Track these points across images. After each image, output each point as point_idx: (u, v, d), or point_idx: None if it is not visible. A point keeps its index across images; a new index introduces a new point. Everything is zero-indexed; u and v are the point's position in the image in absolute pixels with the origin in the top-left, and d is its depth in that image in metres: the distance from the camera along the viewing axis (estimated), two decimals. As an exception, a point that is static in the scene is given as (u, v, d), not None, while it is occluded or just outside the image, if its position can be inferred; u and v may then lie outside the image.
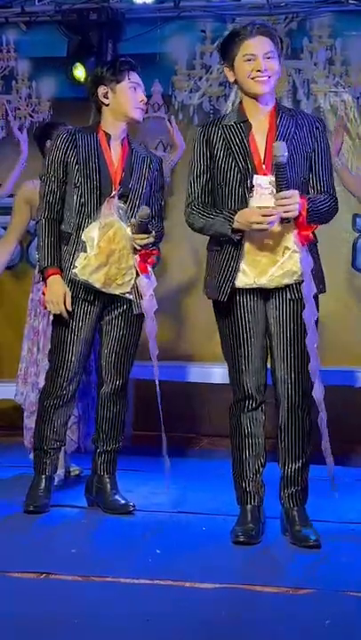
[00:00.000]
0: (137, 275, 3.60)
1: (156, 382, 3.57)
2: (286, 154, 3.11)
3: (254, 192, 3.19)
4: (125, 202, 3.58)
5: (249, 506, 3.31)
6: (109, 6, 5.71)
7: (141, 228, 3.51)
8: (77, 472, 4.31)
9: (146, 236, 3.52)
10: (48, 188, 3.61)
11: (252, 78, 3.23)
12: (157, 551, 3.10)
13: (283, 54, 3.39)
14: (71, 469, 4.32)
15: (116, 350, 3.67)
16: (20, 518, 3.52)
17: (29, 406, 4.30)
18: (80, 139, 3.60)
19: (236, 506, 3.36)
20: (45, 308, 3.65)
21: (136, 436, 5.17)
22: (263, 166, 3.22)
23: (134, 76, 3.62)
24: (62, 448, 3.82)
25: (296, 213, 3.13)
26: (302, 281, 3.19)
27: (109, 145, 3.63)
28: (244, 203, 3.21)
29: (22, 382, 4.32)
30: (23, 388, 4.32)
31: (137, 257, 3.57)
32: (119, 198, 3.58)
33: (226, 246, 3.27)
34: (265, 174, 3.19)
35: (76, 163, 3.56)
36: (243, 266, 3.23)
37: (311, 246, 3.26)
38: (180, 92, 5.84)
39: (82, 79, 5.70)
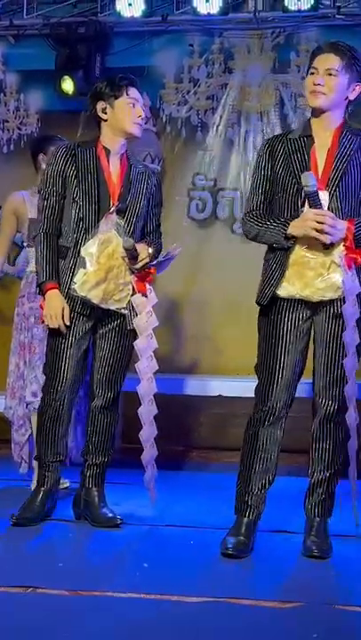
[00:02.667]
0: (133, 292, 3.61)
1: (147, 401, 3.56)
2: (314, 183, 3.13)
3: (307, 204, 3.21)
4: (123, 217, 3.59)
5: (246, 519, 3.30)
6: (98, 20, 5.74)
7: (130, 257, 3.54)
8: (65, 485, 4.29)
9: (140, 260, 3.54)
10: (47, 202, 3.61)
11: (310, 92, 3.26)
12: (145, 565, 3.09)
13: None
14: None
15: (110, 363, 3.67)
16: (6, 532, 3.50)
17: (17, 420, 4.29)
18: (79, 153, 3.60)
19: (225, 518, 3.36)
20: (43, 322, 3.65)
21: (124, 449, 5.16)
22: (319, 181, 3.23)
23: (133, 92, 3.62)
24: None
25: (329, 239, 3.14)
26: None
27: (108, 160, 3.63)
28: (297, 213, 3.23)
29: (10, 397, 4.32)
30: (11, 402, 4.31)
31: (134, 277, 3.59)
32: (117, 214, 3.58)
33: (276, 255, 3.29)
34: (320, 189, 3.20)
35: (75, 177, 3.57)
36: (288, 275, 3.25)
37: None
38: (169, 105, 5.87)
39: (70, 92, 5.72)
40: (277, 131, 5.67)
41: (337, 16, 5.55)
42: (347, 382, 3.23)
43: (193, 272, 5.98)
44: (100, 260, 3.53)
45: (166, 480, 4.09)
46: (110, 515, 3.64)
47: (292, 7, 5.48)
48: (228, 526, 3.35)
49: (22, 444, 4.29)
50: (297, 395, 3.53)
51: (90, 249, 3.53)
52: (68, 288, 3.56)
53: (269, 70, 5.79)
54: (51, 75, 5.80)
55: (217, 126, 5.88)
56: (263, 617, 2.65)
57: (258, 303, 3.35)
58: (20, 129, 5.95)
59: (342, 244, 3.19)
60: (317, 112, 3.29)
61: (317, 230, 3.14)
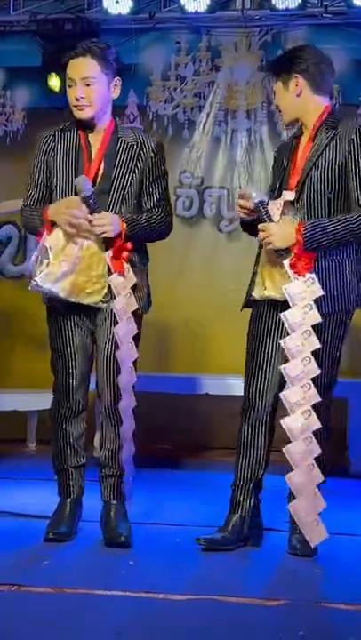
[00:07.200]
0: (109, 273, 3.28)
1: (120, 389, 3.35)
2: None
3: (272, 204, 3.25)
4: (108, 198, 3.33)
5: (235, 515, 3.32)
6: (85, 17, 5.72)
7: (89, 207, 3.21)
8: None
9: (95, 224, 3.21)
10: (27, 194, 3.46)
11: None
12: (130, 562, 3.09)
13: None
14: None
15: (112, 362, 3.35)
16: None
17: None
18: (60, 138, 3.42)
19: (212, 516, 3.39)
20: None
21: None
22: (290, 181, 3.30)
23: (70, 70, 3.35)
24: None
25: (275, 247, 3.14)
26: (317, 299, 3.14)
27: (88, 140, 3.41)
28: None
29: None
30: None
31: (109, 253, 3.26)
32: (100, 195, 3.29)
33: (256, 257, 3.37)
34: (289, 190, 3.25)
35: (55, 163, 3.39)
36: (262, 277, 3.30)
37: (335, 267, 3.20)
38: (155, 102, 5.87)
39: (56, 89, 5.70)
40: (264, 129, 5.76)
41: (324, 15, 5.57)
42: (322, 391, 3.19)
43: (179, 270, 5.99)
44: (66, 251, 3.25)
45: (154, 478, 4.09)
46: (125, 536, 3.31)
47: (280, 5, 5.51)
48: (215, 524, 3.36)
49: None
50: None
51: (54, 238, 3.27)
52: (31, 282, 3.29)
53: (256, 68, 5.81)
54: (37, 71, 5.78)
55: (204, 124, 5.89)
56: (249, 614, 2.65)
57: (243, 307, 3.39)
58: (5, 125, 5.93)
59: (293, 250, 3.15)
60: None
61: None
